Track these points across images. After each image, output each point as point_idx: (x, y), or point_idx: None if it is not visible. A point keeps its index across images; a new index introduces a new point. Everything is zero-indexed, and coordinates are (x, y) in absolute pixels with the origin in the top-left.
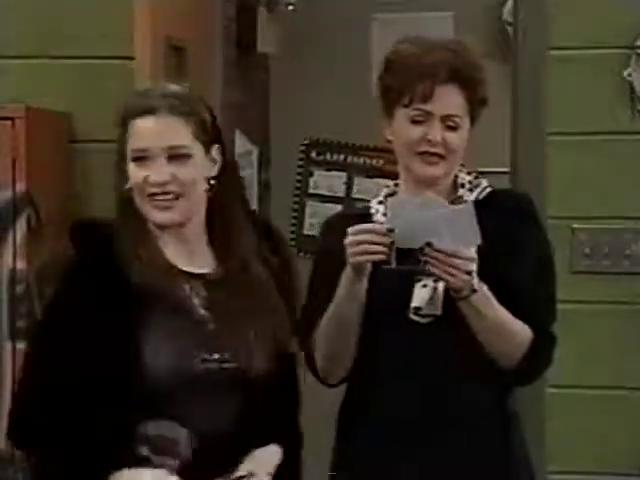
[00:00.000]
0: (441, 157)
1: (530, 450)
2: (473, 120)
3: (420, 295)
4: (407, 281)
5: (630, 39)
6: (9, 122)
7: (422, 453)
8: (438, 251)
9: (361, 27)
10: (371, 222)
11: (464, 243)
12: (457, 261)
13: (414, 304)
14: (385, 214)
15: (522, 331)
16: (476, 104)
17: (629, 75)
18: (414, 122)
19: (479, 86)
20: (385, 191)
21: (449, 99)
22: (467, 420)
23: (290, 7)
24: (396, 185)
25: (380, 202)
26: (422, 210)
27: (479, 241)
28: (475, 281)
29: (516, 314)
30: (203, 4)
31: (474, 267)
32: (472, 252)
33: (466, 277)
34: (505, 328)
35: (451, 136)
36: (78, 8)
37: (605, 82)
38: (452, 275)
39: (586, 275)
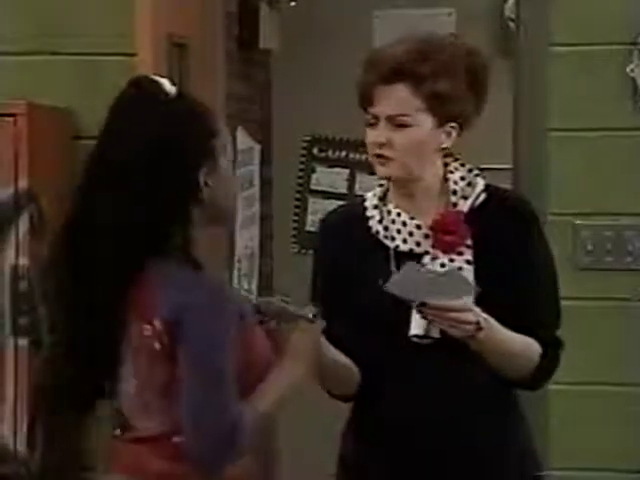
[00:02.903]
0: (389, 158)
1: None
2: (442, 116)
3: (419, 319)
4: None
5: (633, 35)
6: (11, 119)
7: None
8: (434, 308)
9: (363, 23)
10: (367, 226)
11: (457, 296)
12: (453, 314)
13: (413, 331)
14: (380, 221)
15: (529, 349)
16: (432, 98)
17: (632, 71)
18: (369, 125)
19: (427, 80)
20: (379, 191)
21: (393, 98)
22: (465, 435)
23: (292, 3)
24: (389, 182)
25: (375, 206)
26: (414, 272)
27: (473, 291)
28: (481, 319)
29: (523, 325)
30: (204, 0)
31: (471, 316)
32: (467, 301)
33: (467, 327)
34: (514, 353)
35: (399, 136)
36: (80, 5)
37: (608, 78)
38: (453, 327)
39: (588, 272)
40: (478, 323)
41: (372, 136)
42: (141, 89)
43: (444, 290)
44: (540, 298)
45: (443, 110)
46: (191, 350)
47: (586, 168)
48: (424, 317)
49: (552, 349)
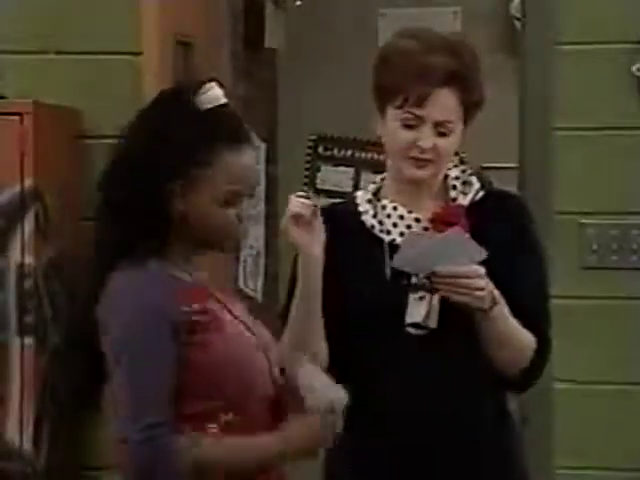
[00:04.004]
0: (431, 161)
1: (538, 445)
2: (467, 122)
3: (416, 309)
4: (402, 291)
5: (639, 34)
6: (17, 117)
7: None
8: (444, 276)
9: (368, 22)
10: (361, 221)
11: (467, 261)
12: (465, 281)
13: (410, 320)
14: (374, 215)
15: (528, 340)
16: (471, 107)
17: (637, 70)
18: (405, 126)
19: (475, 89)
20: (372, 187)
21: (443, 104)
22: (465, 428)
23: (297, 2)
24: (382, 180)
25: (369, 201)
26: (418, 242)
27: (484, 255)
28: (496, 293)
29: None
30: (210, 0)
31: (483, 283)
32: (479, 268)
33: (479, 293)
34: (517, 339)
35: (443, 142)
36: (86, 4)
37: (614, 77)
38: (466, 295)
39: (594, 271)
40: (494, 299)
41: (411, 137)
42: (183, 93)
43: (452, 256)
44: (533, 299)
45: (472, 116)
46: (113, 358)
47: (591, 167)
48: (435, 288)
49: (545, 346)
